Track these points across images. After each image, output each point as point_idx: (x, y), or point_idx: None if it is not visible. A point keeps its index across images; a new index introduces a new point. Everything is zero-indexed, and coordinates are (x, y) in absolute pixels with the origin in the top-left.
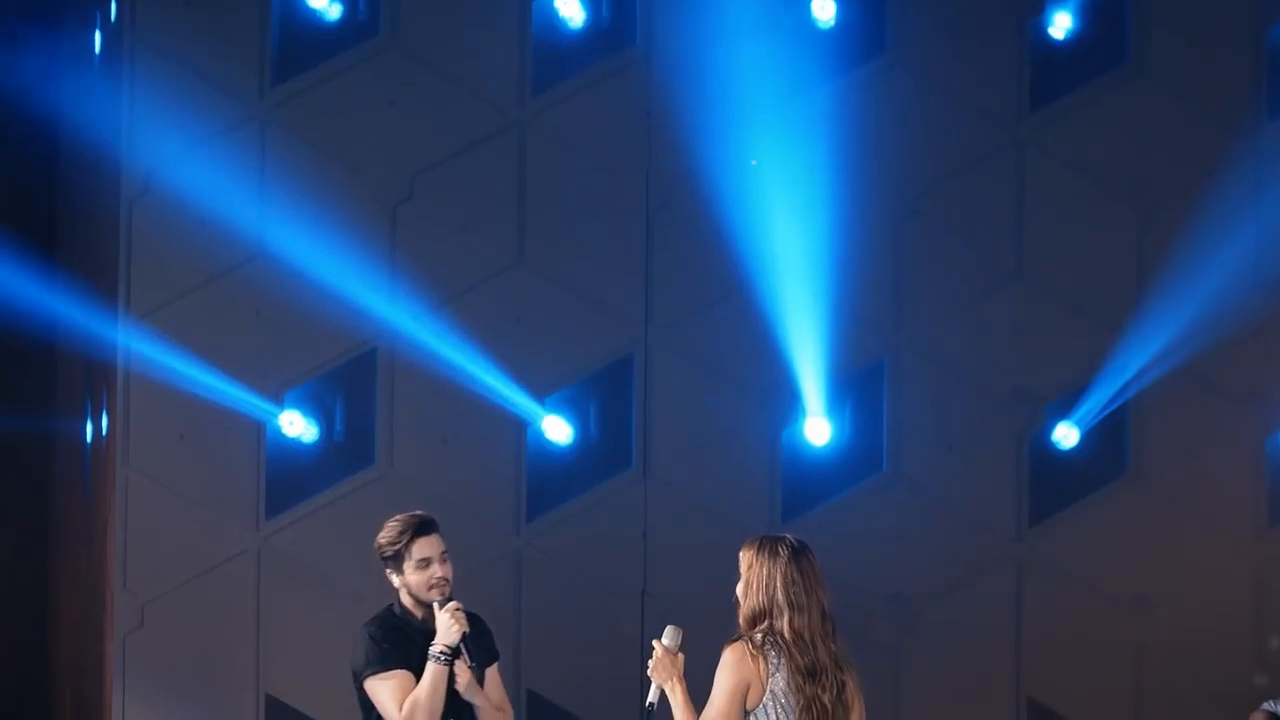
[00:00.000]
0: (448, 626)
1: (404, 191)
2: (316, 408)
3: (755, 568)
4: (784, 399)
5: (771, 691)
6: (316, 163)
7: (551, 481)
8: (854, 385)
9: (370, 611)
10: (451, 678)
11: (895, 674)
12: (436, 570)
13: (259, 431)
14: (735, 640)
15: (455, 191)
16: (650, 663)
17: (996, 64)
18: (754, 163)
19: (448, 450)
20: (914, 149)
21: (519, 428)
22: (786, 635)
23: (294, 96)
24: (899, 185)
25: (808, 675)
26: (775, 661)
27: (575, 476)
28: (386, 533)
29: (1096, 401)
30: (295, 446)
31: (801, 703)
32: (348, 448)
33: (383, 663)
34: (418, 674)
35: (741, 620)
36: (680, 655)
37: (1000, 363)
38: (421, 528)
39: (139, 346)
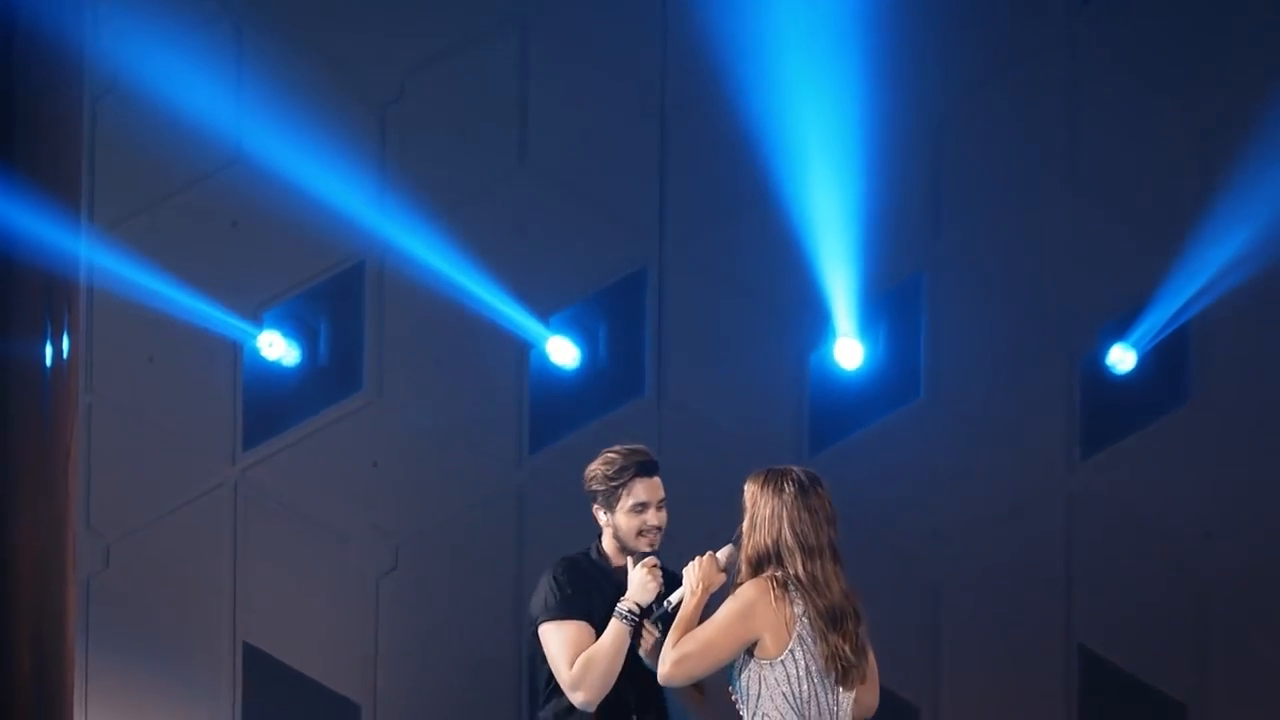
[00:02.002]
0: (643, 584)
1: (394, 91)
2: (298, 328)
3: (760, 505)
4: (812, 318)
5: (799, 635)
6: (298, 60)
7: (556, 409)
8: (889, 303)
9: (361, 551)
10: (636, 640)
11: (934, 618)
12: (651, 517)
13: (235, 354)
14: (757, 578)
15: (451, 91)
16: (693, 561)
17: None
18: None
19: (442, 375)
20: (955, 45)
21: (521, 350)
22: (802, 578)
23: None
24: (938, 85)
25: (830, 622)
26: (801, 605)
27: (582, 404)
28: (604, 465)
29: (1155, 321)
30: (275, 370)
31: (826, 653)
32: (333, 372)
33: (561, 609)
34: (599, 627)
35: (744, 561)
36: (724, 575)
37: (1049, 279)
38: (644, 467)
39: (104, 261)
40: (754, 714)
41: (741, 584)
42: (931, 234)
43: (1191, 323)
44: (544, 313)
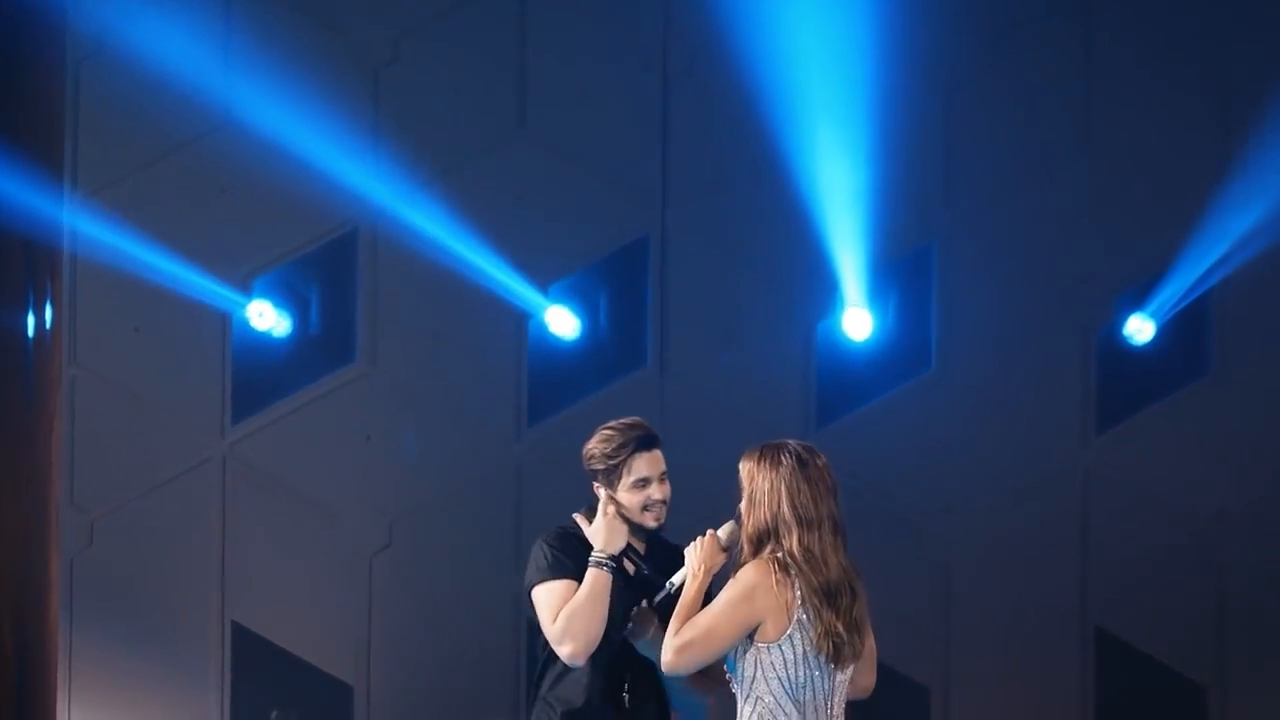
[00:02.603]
0: (611, 529)
1: (388, 53)
2: (289, 297)
3: (758, 481)
4: (820, 288)
5: (799, 620)
6: (289, 19)
7: (556, 381)
8: (898, 273)
9: (353, 528)
10: (628, 600)
11: (944, 598)
12: (654, 492)
13: (224, 324)
14: (757, 560)
15: (447, 53)
16: (694, 542)
17: None
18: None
19: (438, 346)
20: (965, 7)
21: (519, 320)
22: (797, 553)
23: None
24: (949, 48)
25: (824, 597)
26: (800, 588)
27: (582, 375)
28: (602, 443)
29: (1174, 291)
30: (265, 341)
31: (820, 630)
32: (324, 343)
33: (551, 571)
34: None
35: (745, 540)
36: (725, 555)
37: (1064, 247)
38: (644, 442)
39: (88, 228)
40: (748, 696)
41: (744, 563)
42: (943, 201)
43: (1212, 292)
44: (543, 282)
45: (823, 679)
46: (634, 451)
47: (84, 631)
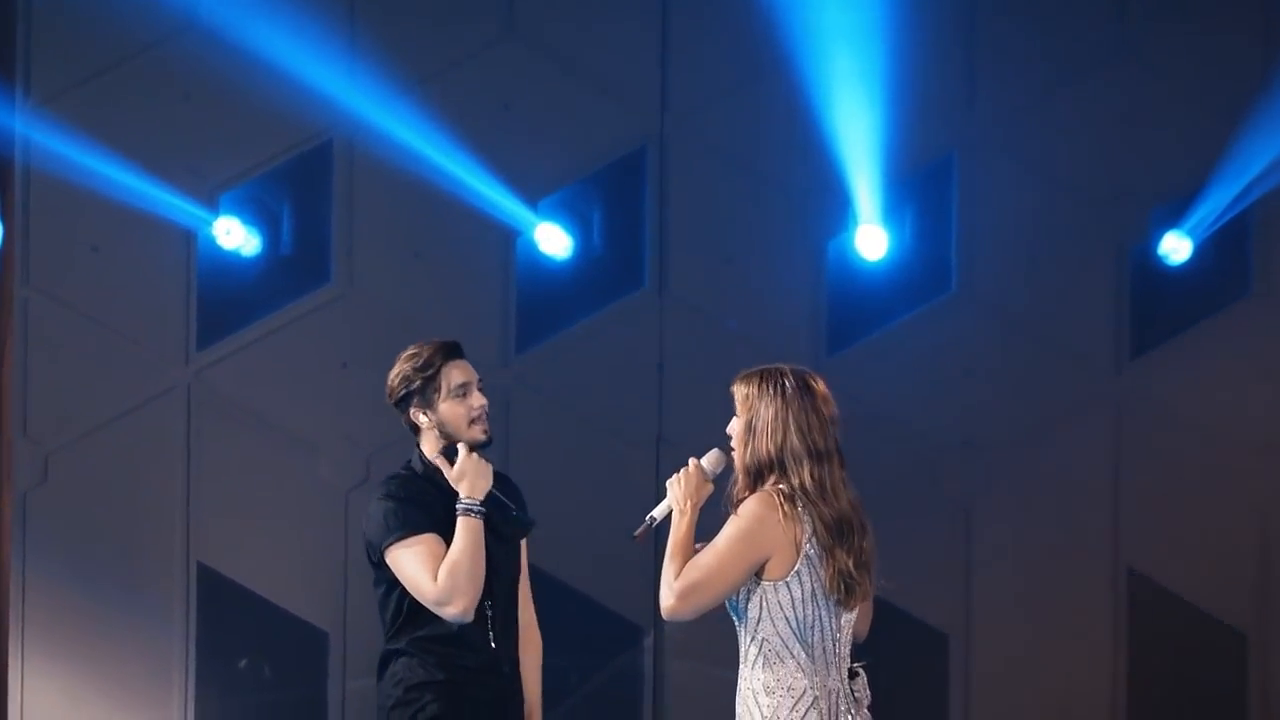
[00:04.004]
0: (476, 470)
1: None
2: (259, 213)
3: (761, 409)
4: (831, 203)
5: (807, 555)
6: None
7: (546, 304)
8: (916, 186)
9: (329, 463)
10: (503, 541)
11: (965, 538)
12: (477, 399)
13: (189, 242)
14: (762, 492)
15: None
16: (675, 475)
17: None
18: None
19: (420, 265)
20: None
21: (507, 238)
22: (809, 487)
23: None
24: None
25: (836, 535)
26: (809, 522)
27: (575, 297)
28: (408, 362)
29: (1213, 206)
30: (233, 261)
31: (830, 572)
32: (297, 262)
33: (406, 527)
34: (448, 540)
35: (741, 469)
36: (711, 485)
37: (1096, 159)
38: (451, 351)
39: (41, 139)
40: (752, 638)
41: (741, 496)
42: (965, 108)
43: (1253, 208)
44: (532, 196)
45: (830, 619)
46: (445, 360)
47: (38, 574)
